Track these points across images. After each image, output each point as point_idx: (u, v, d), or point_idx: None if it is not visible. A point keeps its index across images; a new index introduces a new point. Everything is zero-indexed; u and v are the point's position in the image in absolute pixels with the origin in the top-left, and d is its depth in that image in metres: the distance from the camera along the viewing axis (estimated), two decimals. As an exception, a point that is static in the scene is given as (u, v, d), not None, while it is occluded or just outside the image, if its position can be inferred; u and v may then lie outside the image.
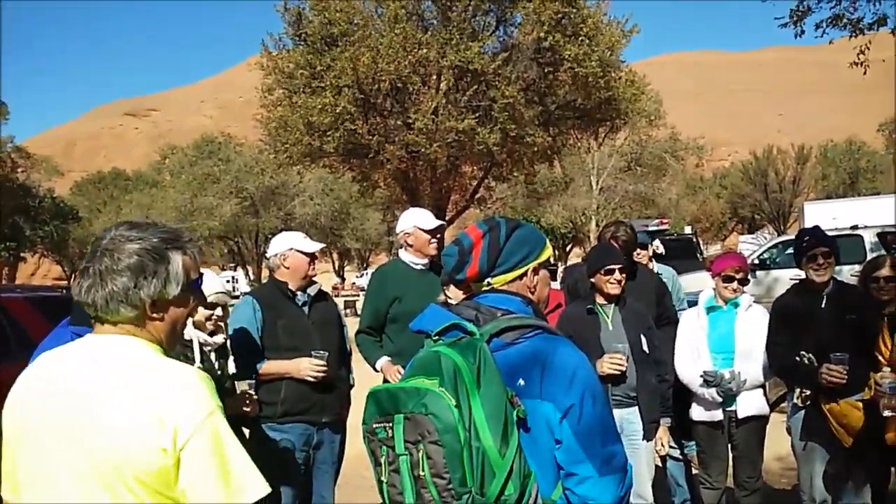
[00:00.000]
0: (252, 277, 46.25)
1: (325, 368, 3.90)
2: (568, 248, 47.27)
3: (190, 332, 3.45)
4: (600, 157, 36.64)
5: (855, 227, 13.98)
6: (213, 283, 3.56)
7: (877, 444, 3.74)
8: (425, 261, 4.43)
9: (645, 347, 4.07)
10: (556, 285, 6.25)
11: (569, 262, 32.49)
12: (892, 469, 4.08)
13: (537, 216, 39.49)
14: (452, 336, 1.84)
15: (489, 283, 1.99)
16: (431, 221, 4.43)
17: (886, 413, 3.55)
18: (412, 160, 17.36)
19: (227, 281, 46.31)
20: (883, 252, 11.54)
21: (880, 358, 3.77)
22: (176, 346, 1.81)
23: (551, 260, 2.13)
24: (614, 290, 4.08)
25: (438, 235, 4.44)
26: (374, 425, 1.75)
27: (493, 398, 1.69)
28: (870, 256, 6.58)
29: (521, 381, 1.80)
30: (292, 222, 41.90)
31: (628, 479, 1.85)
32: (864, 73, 9.34)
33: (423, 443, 1.64)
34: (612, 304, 4.14)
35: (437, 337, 1.87)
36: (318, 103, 16.23)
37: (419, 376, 1.75)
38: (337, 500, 4.30)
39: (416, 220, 4.45)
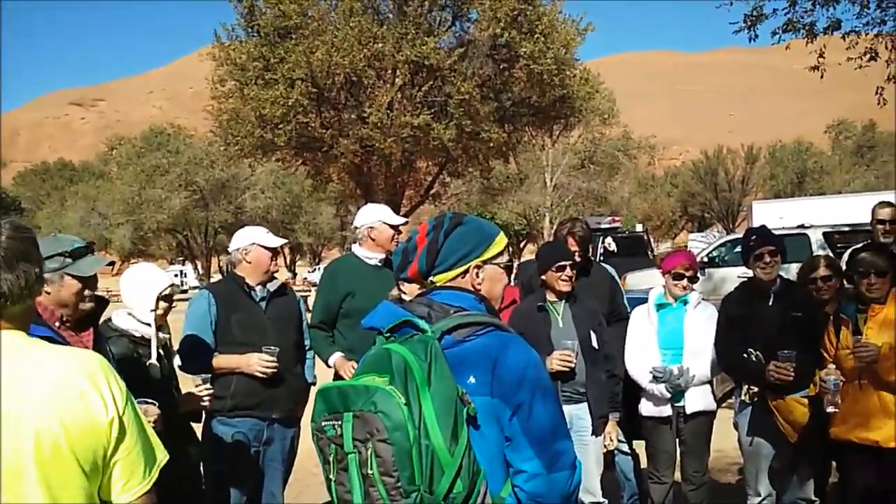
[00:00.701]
0: (201, 272, 45.45)
1: (274, 364, 3.86)
2: (522, 245, 47.55)
3: (143, 329, 3.40)
4: (554, 155, 36.89)
5: (801, 227, 14.31)
6: (162, 277, 3.53)
7: (821, 439, 3.83)
8: (380, 256, 4.41)
9: (595, 344, 4.09)
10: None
11: (523, 259, 32.68)
12: (833, 463, 4.17)
13: (492, 212, 39.62)
14: (404, 333, 1.84)
15: (431, 282, 1.99)
16: (396, 217, 4.43)
17: (830, 409, 3.63)
18: (366, 155, 17.25)
19: (175, 275, 45.53)
20: (823, 252, 11.85)
21: (825, 355, 3.85)
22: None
23: (505, 255, 2.12)
24: (565, 286, 4.09)
25: (401, 231, 4.42)
26: (323, 423, 1.74)
27: (443, 396, 1.70)
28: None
29: (472, 379, 1.80)
30: (243, 216, 41.28)
31: (577, 475, 1.87)
32: (822, 76, 9.58)
33: (372, 441, 1.64)
34: (563, 301, 4.16)
35: (388, 334, 1.86)
36: (271, 95, 16.02)
37: (369, 374, 1.75)
38: (287, 497, 4.26)
39: (381, 214, 4.44)
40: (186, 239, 46.57)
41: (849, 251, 4.84)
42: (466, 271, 1.97)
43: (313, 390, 3.18)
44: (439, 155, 18.40)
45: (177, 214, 39.95)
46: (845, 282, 4.21)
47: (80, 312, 2.82)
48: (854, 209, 16.53)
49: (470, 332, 1.86)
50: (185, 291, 42.61)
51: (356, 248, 4.53)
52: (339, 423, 1.70)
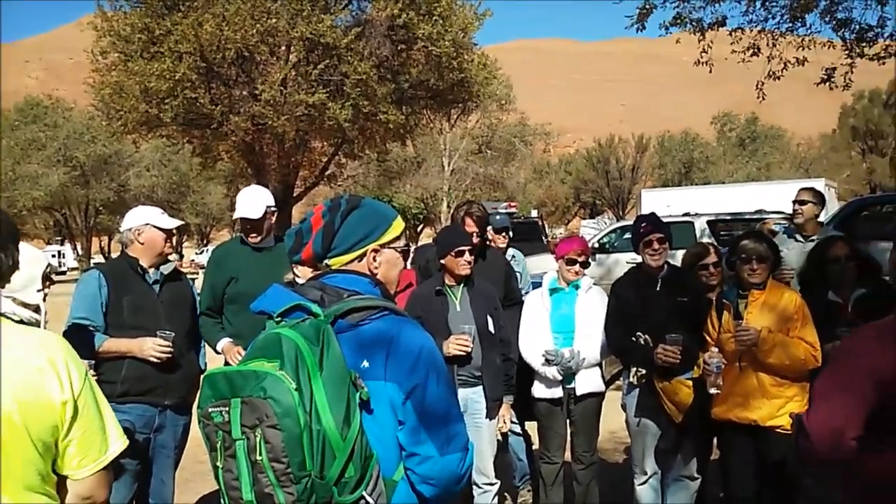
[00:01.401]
0: (80, 252, 43.23)
1: (169, 349, 3.72)
2: (419, 229, 47.68)
3: (23, 313, 3.15)
4: (452, 139, 37.13)
5: (687, 215, 14.91)
6: (40, 255, 3.30)
7: (703, 419, 3.98)
8: (269, 239, 4.30)
9: (491, 328, 4.11)
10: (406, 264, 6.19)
11: (420, 243, 32.76)
12: (715, 441, 4.35)
13: (389, 195, 39.51)
14: (296, 317, 1.80)
15: (326, 265, 1.95)
16: (238, 211, 4.26)
17: (713, 391, 3.78)
18: (258, 133, 16.75)
19: (53, 256, 43.12)
20: (707, 239, 12.42)
21: (708, 338, 4.00)
22: None
23: (402, 239, 2.07)
24: (464, 270, 4.09)
25: (248, 226, 4.28)
26: (210, 409, 1.70)
27: (335, 380, 1.68)
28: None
29: (366, 363, 1.79)
30: (126, 194, 39.57)
31: (469, 457, 1.88)
32: (710, 70, 9.96)
33: (261, 427, 1.61)
34: (461, 285, 4.16)
35: (279, 318, 1.82)
36: (157, 69, 15.29)
37: (259, 359, 1.71)
38: (175, 485, 4.11)
39: (238, 204, 4.31)
40: (65, 218, 44.21)
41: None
42: (363, 255, 1.95)
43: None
44: (335, 135, 18.10)
45: (54, 192, 37.85)
46: (727, 268, 4.37)
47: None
48: (736, 199, 17.43)
49: (364, 316, 1.84)
50: (63, 273, 40.35)
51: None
52: (227, 409, 1.66)
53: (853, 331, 2.37)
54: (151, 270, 3.90)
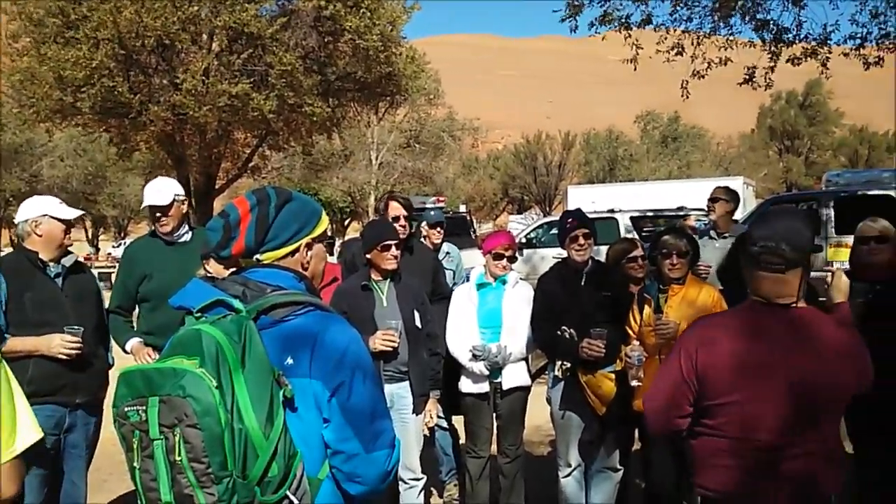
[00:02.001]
0: (-10, 245, 41.18)
1: (79, 345, 3.57)
2: (346, 223, 47.25)
3: None
4: (380, 133, 36.88)
5: (611, 211, 15.24)
6: None
7: (626, 411, 4.07)
8: (185, 233, 4.19)
9: (418, 323, 4.11)
10: (332, 259, 6.15)
11: (347, 237, 32.49)
12: (636, 432, 4.45)
13: (315, 188, 39.00)
14: (216, 313, 1.75)
15: (258, 260, 1.89)
16: (146, 199, 4.14)
17: (634, 383, 3.87)
18: (179, 123, 16.23)
19: (-41, 249, 40.98)
20: (630, 235, 12.73)
21: (630, 332, 4.09)
22: None
23: (328, 233, 2.04)
24: (391, 265, 4.07)
25: (158, 214, 4.17)
26: (126, 408, 1.65)
27: (258, 378, 1.65)
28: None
29: (290, 360, 1.76)
30: (39, 185, 37.89)
31: (396, 454, 1.87)
32: (635, 69, 10.17)
33: (180, 426, 1.58)
34: (388, 280, 4.13)
35: (199, 314, 1.76)
36: (72, 56, 14.63)
37: (178, 356, 1.67)
38: (89, 486, 3.97)
39: (144, 194, 4.20)
40: (-28, 209, 42.04)
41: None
42: (297, 249, 1.91)
43: (113, 374, 2.97)
44: (259, 127, 17.71)
45: (-41, 181, 35.93)
46: (648, 263, 4.47)
47: None
48: (659, 196, 17.90)
49: (288, 311, 1.81)
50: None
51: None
52: (144, 408, 1.61)
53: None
54: (52, 264, 3.73)
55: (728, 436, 2.21)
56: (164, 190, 4.17)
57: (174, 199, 4.16)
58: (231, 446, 1.58)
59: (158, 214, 4.15)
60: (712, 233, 5.80)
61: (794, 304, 2.24)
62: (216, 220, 1.91)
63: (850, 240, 3.90)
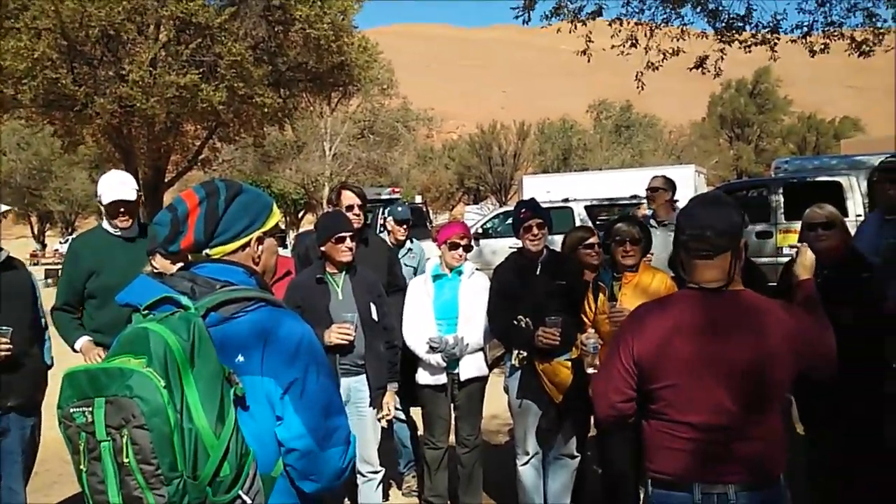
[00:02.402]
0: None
1: (8, 346, 3.46)
2: (300, 215, 46.78)
3: None
4: (333, 123, 36.54)
5: (566, 200, 15.35)
6: None
7: (582, 398, 4.10)
8: (133, 227, 4.08)
9: (375, 316, 4.08)
10: (285, 252, 6.08)
11: (301, 229, 32.16)
12: (593, 419, 4.48)
13: (268, 180, 38.50)
14: (164, 310, 1.70)
15: (207, 255, 1.85)
16: (110, 195, 4.00)
17: (590, 370, 3.88)
18: (126, 115, 15.83)
19: None
20: (586, 224, 12.86)
21: (585, 320, 4.12)
22: None
23: (280, 226, 2.00)
24: (345, 257, 4.03)
25: (121, 209, 4.05)
26: (72, 410, 1.60)
27: (207, 377, 1.63)
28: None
29: (241, 358, 1.74)
30: (-19, 180, 36.79)
31: (351, 450, 1.86)
32: (588, 61, 10.24)
33: (128, 427, 1.54)
34: (343, 273, 4.09)
35: (146, 311, 1.72)
36: (12, 46, 14.16)
37: (125, 355, 1.62)
38: (33, 490, 3.86)
39: (100, 189, 4.06)
40: None
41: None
42: (248, 243, 1.88)
43: (53, 374, 2.87)
44: (209, 118, 17.39)
45: None
46: (602, 251, 4.50)
47: None
48: (612, 185, 18.08)
49: (238, 308, 1.78)
50: None
51: (104, 221, 4.14)
52: (90, 409, 1.57)
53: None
54: None
55: (670, 419, 2.27)
56: (128, 183, 4.07)
57: (138, 194, 4.07)
58: (181, 447, 1.55)
59: (123, 209, 4.03)
60: (652, 221, 5.92)
61: (725, 288, 2.28)
62: (164, 214, 1.87)
63: (798, 225, 3.98)
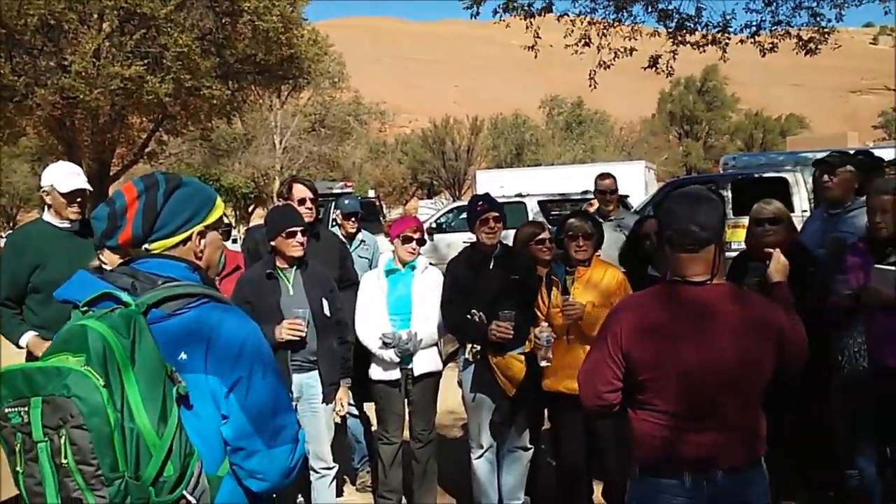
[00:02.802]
0: None
1: None
2: (251, 209, 46.13)
3: None
4: (283, 116, 36.12)
5: (519, 195, 15.40)
6: None
7: (536, 391, 4.11)
8: (75, 221, 3.95)
9: (326, 311, 4.02)
10: (235, 247, 5.96)
11: (251, 224, 31.75)
12: (546, 412, 4.52)
13: (217, 174, 37.85)
14: (104, 307, 1.65)
15: (147, 250, 1.80)
16: (69, 183, 3.89)
17: (543, 363, 3.92)
18: (69, 107, 15.41)
19: None
20: (538, 219, 12.92)
21: (538, 314, 4.14)
22: None
23: (224, 219, 1.95)
24: (296, 252, 3.96)
25: (79, 199, 3.94)
26: (7, 410, 1.56)
27: (149, 375, 1.59)
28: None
29: (184, 355, 1.70)
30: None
31: (299, 449, 1.83)
32: (535, 56, 10.29)
33: (66, 427, 1.50)
34: (294, 268, 4.02)
35: (85, 308, 1.67)
36: (-54, 36, 13.68)
37: (63, 353, 1.58)
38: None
39: (54, 178, 3.91)
40: None
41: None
42: (189, 238, 1.83)
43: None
44: (155, 111, 17.05)
45: None
46: (556, 246, 4.52)
47: None
48: (565, 180, 18.21)
49: (181, 304, 1.73)
50: None
51: (46, 214, 4.00)
52: (26, 409, 1.53)
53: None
54: None
55: (657, 409, 2.31)
56: (80, 173, 3.97)
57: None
58: (122, 447, 1.52)
59: (80, 199, 3.91)
60: (597, 217, 6.02)
61: (709, 282, 2.32)
62: (102, 207, 1.81)
63: (746, 220, 4.06)
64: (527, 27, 10.42)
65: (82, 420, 1.49)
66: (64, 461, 1.50)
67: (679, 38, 10.47)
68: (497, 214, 4.24)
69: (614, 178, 6.23)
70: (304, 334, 3.86)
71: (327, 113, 38.98)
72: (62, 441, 1.50)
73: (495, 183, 18.87)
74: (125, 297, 1.66)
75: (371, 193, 29.48)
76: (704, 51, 10.67)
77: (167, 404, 1.59)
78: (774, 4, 10.23)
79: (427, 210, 27.57)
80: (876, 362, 3.76)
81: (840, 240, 4.22)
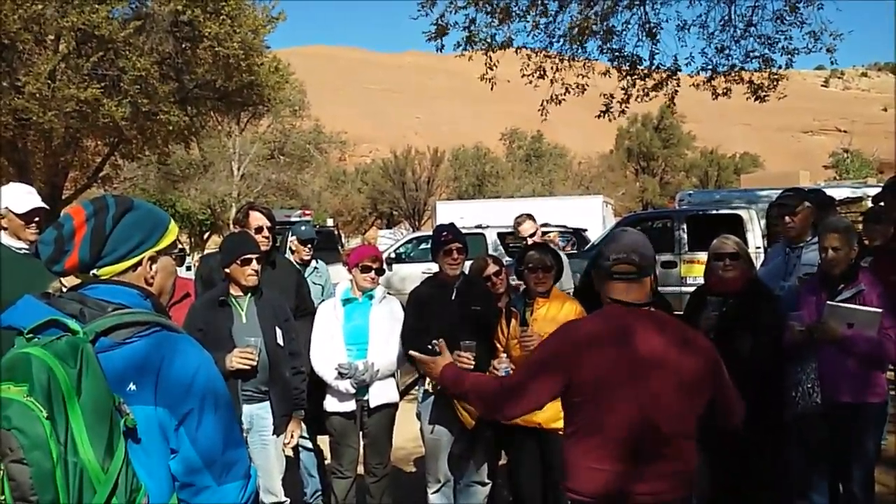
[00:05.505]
0: None
1: None
2: (206, 236, 45.51)
3: None
4: (242, 143, 35.88)
5: (479, 227, 15.48)
6: None
7: (493, 424, 4.08)
8: (34, 243, 3.83)
9: (280, 340, 3.94)
10: (188, 274, 5.83)
11: (206, 251, 31.26)
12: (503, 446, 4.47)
13: (172, 200, 37.32)
14: (50, 334, 1.58)
15: (95, 276, 1.73)
16: (25, 203, 3.79)
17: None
18: (21, 128, 15.06)
19: None
20: (497, 251, 12.99)
21: (498, 345, 4.12)
22: None
23: (177, 245, 1.89)
24: (251, 281, 3.90)
25: (37, 218, 3.83)
26: None
27: (95, 407, 1.53)
28: (491, 253, 7.39)
29: (133, 386, 1.63)
30: None
31: (252, 484, 1.77)
32: (492, 88, 10.43)
33: (4, 462, 1.45)
34: (248, 296, 3.95)
35: (30, 335, 1.59)
36: None
37: (4, 383, 1.51)
38: None
39: (8, 200, 3.80)
40: None
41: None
42: (139, 263, 1.77)
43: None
44: (110, 134, 16.74)
45: None
46: (516, 277, 4.53)
47: None
48: (524, 212, 18.34)
49: (131, 332, 1.67)
50: None
51: (3, 237, 3.87)
52: None
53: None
54: None
55: (592, 436, 2.34)
56: (34, 192, 3.87)
57: None
58: (64, 482, 1.45)
59: (37, 219, 3.79)
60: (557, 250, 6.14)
61: (648, 307, 2.44)
62: (49, 231, 1.74)
63: (702, 256, 4.14)
64: (486, 62, 10.59)
65: (22, 454, 1.43)
66: (1, 497, 1.45)
67: (631, 81, 10.73)
68: (461, 245, 4.26)
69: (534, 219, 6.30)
70: (255, 363, 3.77)
71: (287, 140, 38.86)
72: (0, 476, 1.44)
73: (455, 214, 18.95)
74: (73, 324, 1.60)
75: (330, 222, 29.38)
76: (657, 95, 10.96)
77: (114, 437, 1.53)
78: (728, 50, 10.58)
79: (386, 240, 27.51)
80: (828, 398, 3.83)
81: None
